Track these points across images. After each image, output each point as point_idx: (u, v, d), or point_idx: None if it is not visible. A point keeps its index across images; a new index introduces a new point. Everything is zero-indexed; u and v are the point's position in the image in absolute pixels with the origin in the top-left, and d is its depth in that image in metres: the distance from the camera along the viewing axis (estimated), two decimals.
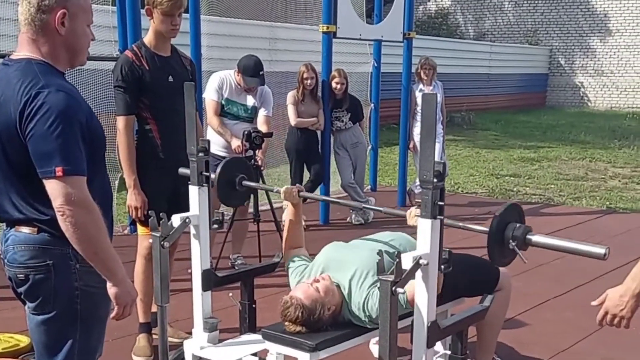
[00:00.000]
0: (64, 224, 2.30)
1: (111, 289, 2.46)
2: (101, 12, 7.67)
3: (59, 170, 2.26)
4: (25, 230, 2.45)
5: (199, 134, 4.14)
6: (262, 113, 5.97)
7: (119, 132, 4.15)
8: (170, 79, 4.17)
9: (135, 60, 4.11)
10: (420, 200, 2.63)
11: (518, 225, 2.69)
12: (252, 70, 5.74)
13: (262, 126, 5.87)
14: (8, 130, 2.35)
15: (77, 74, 7.48)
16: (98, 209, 2.36)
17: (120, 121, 4.13)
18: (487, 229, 2.69)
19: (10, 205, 2.46)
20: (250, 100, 5.91)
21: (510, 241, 2.67)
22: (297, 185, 3.78)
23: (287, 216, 3.79)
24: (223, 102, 5.80)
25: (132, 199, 4.17)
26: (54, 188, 2.28)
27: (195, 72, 4.42)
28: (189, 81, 4.23)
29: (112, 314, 2.53)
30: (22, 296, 2.54)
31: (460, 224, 3.00)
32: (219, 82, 5.81)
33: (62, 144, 2.28)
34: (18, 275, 2.47)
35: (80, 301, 2.49)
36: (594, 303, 2.57)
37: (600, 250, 2.54)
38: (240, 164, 3.80)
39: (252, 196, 5.66)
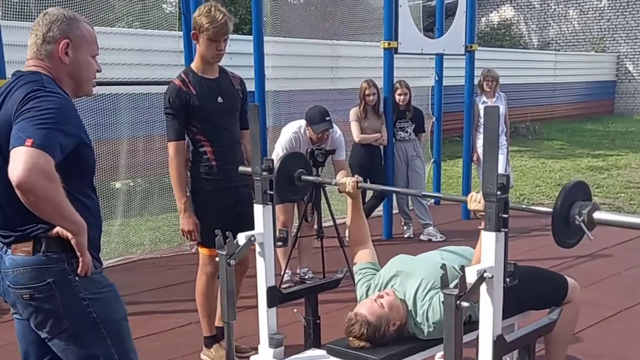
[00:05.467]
0: (26, 195, 2.28)
1: (77, 238, 2.47)
2: (168, 37, 7.89)
3: (28, 141, 2.27)
4: (20, 253, 2.53)
5: (247, 155, 4.21)
6: (335, 158, 5.97)
7: (170, 157, 4.22)
8: (220, 99, 4.22)
9: (182, 87, 4.17)
10: (484, 214, 2.62)
11: (584, 202, 2.59)
12: (317, 118, 5.74)
13: (339, 172, 5.91)
14: (5, 133, 2.41)
15: (144, 98, 7.69)
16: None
17: (171, 147, 4.20)
18: (551, 209, 2.60)
19: (5, 218, 2.54)
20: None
21: (577, 217, 2.56)
22: (356, 176, 3.76)
23: (348, 208, 3.78)
24: None
25: (184, 222, 4.25)
26: (18, 154, 2.26)
27: (246, 90, 4.44)
28: (239, 100, 4.32)
29: (80, 268, 2.54)
30: (35, 329, 2.61)
31: (524, 205, 2.92)
32: (291, 140, 5.81)
33: (45, 128, 2.31)
34: (23, 296, 2.55)
35: (93, 309, 2.57)
36: None
37: None
38: (299, 159, 3.78)
39: (315, 213, 5.70)
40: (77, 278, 2.54)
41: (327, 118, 5.75)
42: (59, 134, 2.36)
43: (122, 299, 2.71)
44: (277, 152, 5.73)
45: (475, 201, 2.92)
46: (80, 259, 2.52)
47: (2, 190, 2.49)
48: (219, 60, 4.24)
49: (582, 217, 2.56)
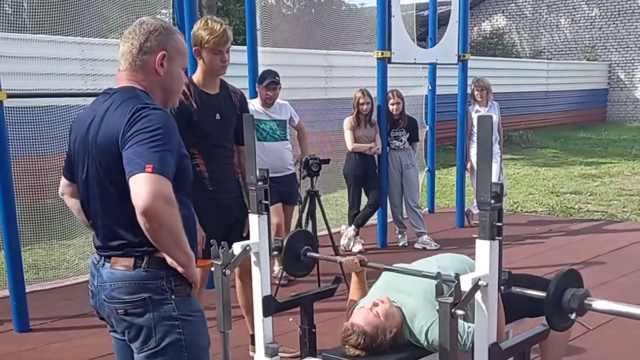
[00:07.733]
0: (150, 222, 2.27)
1: (187, 271, 2.49)
2: None
3: (148, 167, 2.27)
4: (120, 267, 2.49)
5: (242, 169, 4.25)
6: (294, 125, 6.27)
7: None
8: (218, 116, 4.19)
9: (184, 99, 4.07)
10: (478, 222, 2.64)
11: (575, 290, 2.70)
12: (264, 76, 6.02)
13: (302, 136, 6.18)
14: (109, 150, 2.40)
15: None
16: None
17: None
18: (544, 294, 2.71)
19: (110, 233, 2.51)
20: (277, 115, 6.11)
21: (569, 315, 2.70)
22: (358, 255, 3.84)
23: (352, 285, 3.82)
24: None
25: None
26: (140, 180, 2.26)
27: (245, 106, 4.44)
28: (235, 117, 4.30)
29: (194, 292, 2.58)
30: (128, 342, 2.56)
31: (518, 289, 2.90)
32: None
33: (159, 151, 2.32)
34: (118, 311, 2.50)
35: (182, 331, 2.50)
36: None
37: None
38: (304, 236, 3.93)
39: (310, 222, 5.72)
40: (173, 296, 2.49)
41: (272, 79, 5.98)
42: (169, 155, 2.36)
43: (207, 328, 2.64)
44: None
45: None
46: (193, 285, 2.54)
47: (107, 206, 2.50)
48: (224, 71, 4.21)
49: (573, 313, 2.70)
